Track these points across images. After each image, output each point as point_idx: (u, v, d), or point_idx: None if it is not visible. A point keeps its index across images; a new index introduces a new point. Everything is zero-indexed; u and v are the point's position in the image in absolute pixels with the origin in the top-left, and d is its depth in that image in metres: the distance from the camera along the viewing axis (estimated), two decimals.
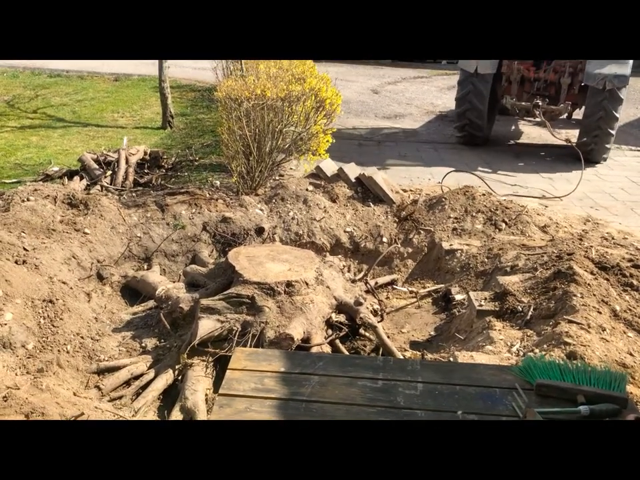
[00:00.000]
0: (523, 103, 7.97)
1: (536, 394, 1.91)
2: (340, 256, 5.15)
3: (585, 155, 7.68)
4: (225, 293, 3.89)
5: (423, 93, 12.70)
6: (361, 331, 4.13)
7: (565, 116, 8.79)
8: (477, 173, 7.15)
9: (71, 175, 6.29)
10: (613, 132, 7.79)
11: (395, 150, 8.40)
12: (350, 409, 1.83)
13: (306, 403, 1.84)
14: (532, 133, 9.59)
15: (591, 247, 4.95)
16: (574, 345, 3.36)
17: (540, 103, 7.83)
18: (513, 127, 9.91)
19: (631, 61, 7.70)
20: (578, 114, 8.82)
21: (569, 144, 7.83)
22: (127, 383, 3.66)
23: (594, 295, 3.98)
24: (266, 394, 1.86)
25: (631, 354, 3.50)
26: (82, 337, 3.89)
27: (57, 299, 3.99)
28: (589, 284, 4.07)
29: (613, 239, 5.55)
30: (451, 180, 6.47)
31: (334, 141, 6.23)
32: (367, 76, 14.32)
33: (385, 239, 5.40)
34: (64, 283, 4.24)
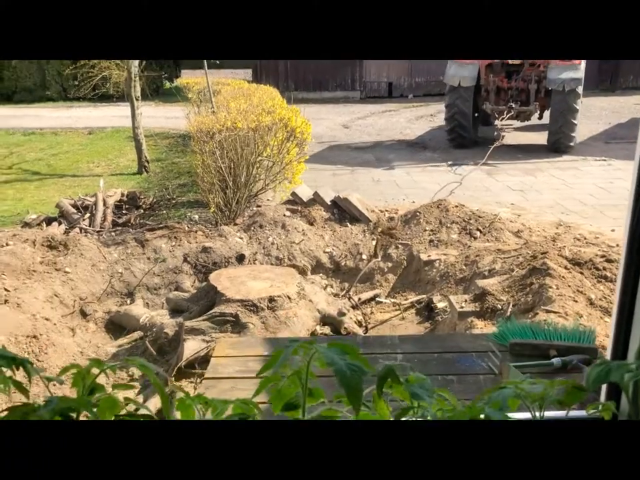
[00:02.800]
0: (500, 107, 9.61)
1: (510, 353, 1.98)
2: (321, 274, 5.22)
3: (555, 145, 9.55)
4: (208, 313, 3.93)
5: (392, 125, 13.05)
6: None
7: (537, 117, 10.36)
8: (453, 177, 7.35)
9: (49, 221, 6.33)
10: (576, 122, 9.33)
11: (368, 176, 8.59)
12: (331, 380, 1.87)
13: None
14: (510, 136, 10.25)
15: (564, 246, 5.09)
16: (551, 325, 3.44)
17: (513, 106, 9.47)
18: (495, 133, 10.79)
19: (583, 66, 9.24)
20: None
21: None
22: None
23: (569, 285, 4.08)
24: (250, 374, 1.90)
25: (608, 336, 3.59)
26: None
27: (40, 335, 3.98)
28: (563, 276, 4.18)
29: (585, 239, 5.70)
30: (425, 199, 6.63)
31: (307, 168, 6.39)
32: (337, 113, 14.69)
33: (364, 256, 5.49)
34: (47, 319, 4.24)
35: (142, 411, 0.91)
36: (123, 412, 0.92)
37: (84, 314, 4.76)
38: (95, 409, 0.80)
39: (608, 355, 1.09)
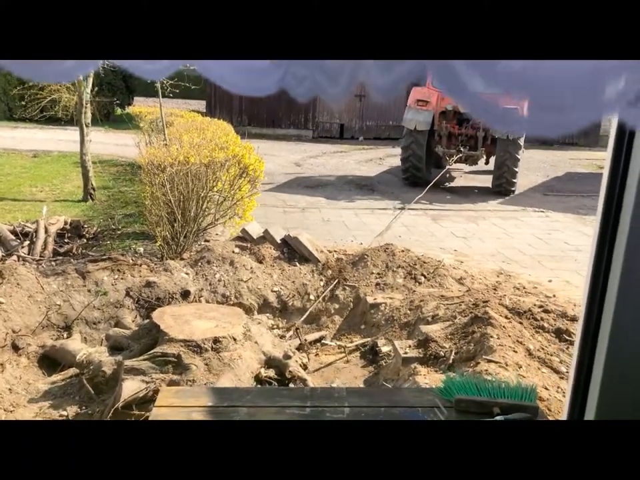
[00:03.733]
0: (451, 150, 10.49)
1: (455, 410, 2.00)
2: (268, 314, 5.18)
3: (498, 189, 10.44)
4: (149, 352, 3.81)
5: (343, 165, 13.29)
6: (291, 385, 4.12)
7: (484, 161, 11.21)
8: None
9: None
10: (517, 169, 10.28)
11: (318, 216, 8.67)
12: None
13: None
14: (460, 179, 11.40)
15: (505, 295, 5.25)
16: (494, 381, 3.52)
17: (462, 150, 10.38)
18: (448, 175, 11.74)
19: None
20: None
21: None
22: None
23: (509, 336, 4.20)
24: None
25: (546, 388, 3.70)
26: None
27: None
28: (504, 326, 4.31)
29: (524, 288, 5.91)
30: (374, 243, 6.74)
31: (258, 205, 6.39)
32: (290, 151, 14.84)
33: (311, 297, 5.49)
34: None
35: None
36: None
37: (16, 348, 4.53)
38: None
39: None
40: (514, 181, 10.40)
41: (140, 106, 13.60)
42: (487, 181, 11.14)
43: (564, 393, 3.70)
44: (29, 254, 5.85)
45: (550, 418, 3.29)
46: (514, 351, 4.01)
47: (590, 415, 0.99)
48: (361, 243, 6.92)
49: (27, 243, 5.97)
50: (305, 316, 5.21)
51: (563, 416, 1.12)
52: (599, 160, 15.05)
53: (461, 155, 10.39)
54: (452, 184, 11.62)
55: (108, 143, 12.78)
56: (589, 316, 0.99)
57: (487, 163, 11.38)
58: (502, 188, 10.46)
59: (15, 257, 5.73)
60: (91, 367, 3.98)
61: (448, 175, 11.87)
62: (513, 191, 10.59)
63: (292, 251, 5.88)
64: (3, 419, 3.65)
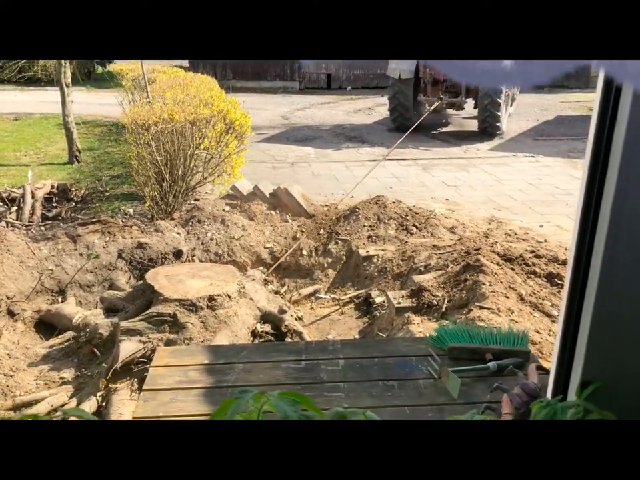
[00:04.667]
0: (432, 99, 10.52)
1: (449, 357, 2.04)
2: (261, 267, 5.20)
3: (484, 130, 10.75)
4: (145, 313, 3.83)
5: (331, 117, 13.10)
6: (287, 339, 4.17)
7: (473, 106, 11.28)
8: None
9: None
10: (499, 113, 10.46)
11: (308, 170, 8.60)
12: (275, 389, 1.87)
13: (231, 388, 1.87)
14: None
15: (496, 242, 5.28)
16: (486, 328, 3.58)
17: (443, 97, 10.42)
18: (443, 120, 12.07)
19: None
20: None
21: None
22: (48, 416, 3.50)
23: (501, 282, 4.25)
24: (191, 385, 1.88)
25: (538, 332, 3.77)
26: None
27: None
28: (495, 273, 4.35)
29: (515, 234, 5.94)
30: (364, 194, 6.70)
31: (247, 161, 6.32)
32: (276, 104, 14.59)
33: (304, 252, 5.50)
34: None
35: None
36: None
37: (11, 314, 4.54)
38: None
39: (550, 385, 1.13)
40: (498, 124, 10.63)
41: (121, 63, 13.24)
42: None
43: (556, 335, 3.77)
44: (17, 220, 5.80)
45: (541, 361, 3.36)
46: (506, 296, 4.05)
47: (579, 357, 1.00)
48: (352, 197, 6.88)
49: (14, 208, 5.91)
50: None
51: (553, 359, 1.13)
52: (590, 102, 14.90)
53: (441, 102, 10.54)
54: (445, 129, 11.71)
55: (91, 103, 12.50)
56: (577, 260, 0.99)
57: (475, 107, 11.39)
58: (487, 130, 10.71)
59: (3, 223, 5.68)
60: (88, 330, 4.01)
61: (444, 121, 12.02)
62: (499, 130, 10.74)
63: (283, 206, 5.86)
64: (3, 383, 3.69)
